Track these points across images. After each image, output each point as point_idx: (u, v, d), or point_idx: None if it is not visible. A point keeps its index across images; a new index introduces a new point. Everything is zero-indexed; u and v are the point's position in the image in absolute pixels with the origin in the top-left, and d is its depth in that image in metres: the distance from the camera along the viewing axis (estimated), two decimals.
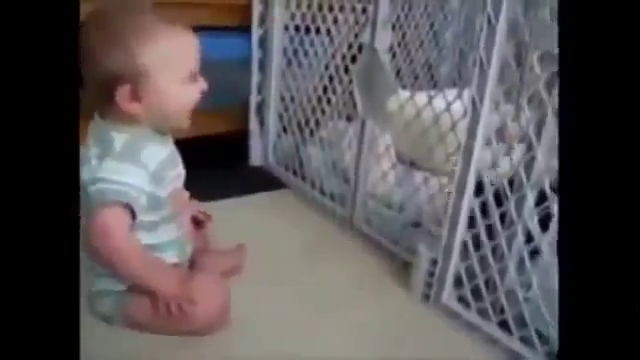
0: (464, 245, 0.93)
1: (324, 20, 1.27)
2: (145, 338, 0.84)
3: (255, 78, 1.48)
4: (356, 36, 1.20)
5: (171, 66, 0.77)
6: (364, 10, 1.13)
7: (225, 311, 0.87)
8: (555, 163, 0.82)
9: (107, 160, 0.77)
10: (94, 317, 0.87)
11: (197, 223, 1.00)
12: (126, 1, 0.79)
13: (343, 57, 1.23)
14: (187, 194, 0.93)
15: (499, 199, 0.87)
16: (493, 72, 0.83)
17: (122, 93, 0.75)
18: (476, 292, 0.92)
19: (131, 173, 0.77)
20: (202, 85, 0.82)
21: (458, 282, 0.95)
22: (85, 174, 0.77)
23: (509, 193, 0.85)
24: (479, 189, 0.89)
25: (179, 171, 0.88)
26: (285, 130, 1.46)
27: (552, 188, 0.79)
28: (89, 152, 0.78)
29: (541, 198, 0.83)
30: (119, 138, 0.78)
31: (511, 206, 0.85)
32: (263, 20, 1.42)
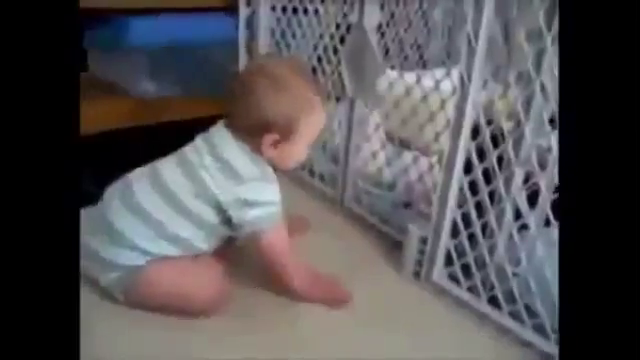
0: (454, 223, 0.93)
1: (311, 0, 1.26)
2: (145, 317, 0.85)
3: (242, 60, 1.47)
4: (345, 16, 1.18)
5: (312, 132, 0.89)
6: None
7: (223, 293, 0.89)
8: (543, 141, 0.82)
9: (253, 181, 0.85)
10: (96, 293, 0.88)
11: None
12: (297, 65, 0.89)
13: (331, 37, 1.21)
14: None
15: (488, 177, 0.88)
16: (481, 49, 0.83)
17: (268, 140, 0.85)
18: (466, 269, 0.93)
19: (276, 191, 0.89)
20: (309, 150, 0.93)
21: (448, 260, 0.96)
22: (220, 194, 0.84)
23: (498, 171, 0.86)
24: (468, 167, 0.90)
25: None
26: None
27: (540, 164, 0.80)
28: (206, 159, 0.85)
29: (529, 175, 0.84)
30: (255, 161, 0.87)
31: (499, 183, 0.86)
32: (250, 0, 1.40)
